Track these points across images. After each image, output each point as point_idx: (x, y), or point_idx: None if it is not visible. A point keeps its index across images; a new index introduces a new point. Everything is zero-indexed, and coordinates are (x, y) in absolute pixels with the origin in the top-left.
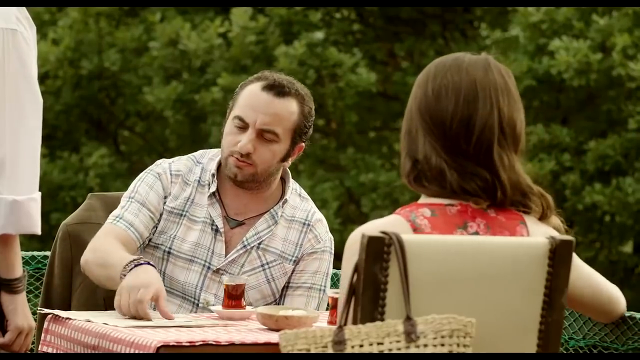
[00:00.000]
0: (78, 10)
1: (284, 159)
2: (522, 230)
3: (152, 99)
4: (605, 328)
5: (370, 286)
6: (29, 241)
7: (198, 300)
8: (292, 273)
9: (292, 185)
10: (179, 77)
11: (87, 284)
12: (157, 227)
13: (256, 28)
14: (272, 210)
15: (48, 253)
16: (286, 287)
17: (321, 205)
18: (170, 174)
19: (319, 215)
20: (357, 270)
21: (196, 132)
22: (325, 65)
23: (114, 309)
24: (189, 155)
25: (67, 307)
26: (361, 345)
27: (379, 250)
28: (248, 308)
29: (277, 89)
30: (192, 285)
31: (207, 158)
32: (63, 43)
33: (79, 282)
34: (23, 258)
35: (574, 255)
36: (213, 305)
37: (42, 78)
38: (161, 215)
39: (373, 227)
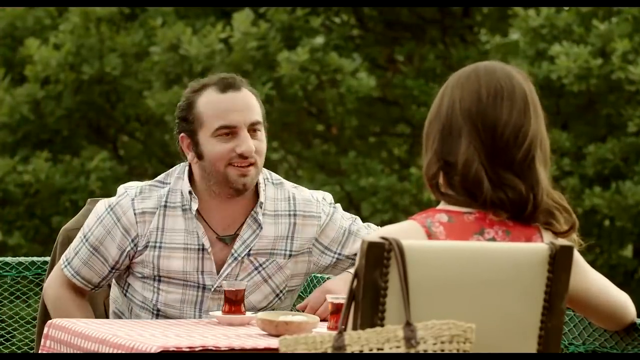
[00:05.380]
0: (79, 15)
1: None
2: (538, 241)
3: (153, 104)
4: (605, 333)
5: (370, 292)
6: (30, 245)
7: None
8: (319, 255)
9: (262, 175)
10: (180, 82)
11: None
12: (118, 269)
13: (257, 33)
14: (252, 213)
15: (48, 258)
16: (329, 266)
17: None
18: (135, 214)
19: (298, 193)
20: (357, 275)
21: None
22: (326, 70)
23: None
24: (153, 181)
25: None
26: (361, 351)
27: (379, 256)
28: (248, 313)
29: (232, 86)
30: (190, 311)
31: (174, 177)
32: (64, 48)
33: None
34: (23, 263)
35: (584, 262)
36: None
37: (43, 83)
38: (119, 259)
39: (388, 231)
